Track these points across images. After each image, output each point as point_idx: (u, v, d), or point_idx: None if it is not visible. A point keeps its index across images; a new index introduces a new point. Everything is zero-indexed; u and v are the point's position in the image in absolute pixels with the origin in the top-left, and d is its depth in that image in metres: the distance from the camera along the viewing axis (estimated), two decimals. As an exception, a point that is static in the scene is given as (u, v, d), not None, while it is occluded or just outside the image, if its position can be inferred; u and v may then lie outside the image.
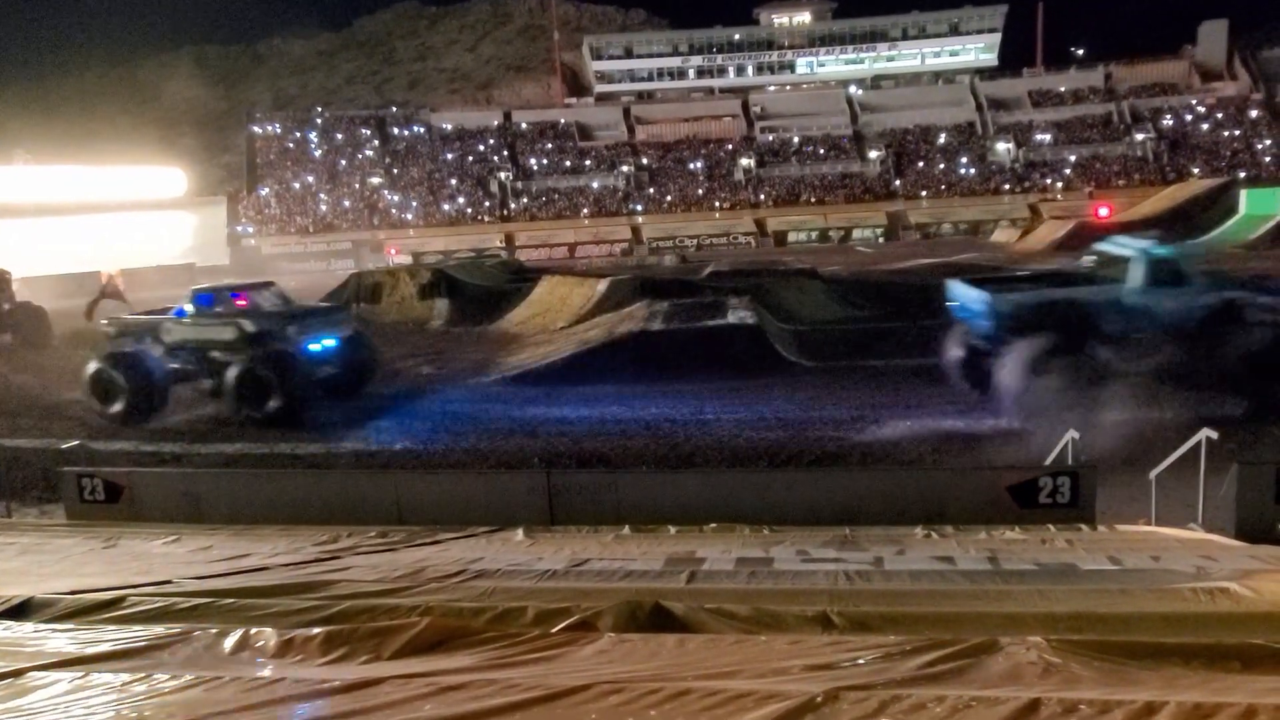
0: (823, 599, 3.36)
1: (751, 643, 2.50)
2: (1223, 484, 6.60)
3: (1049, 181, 60.72)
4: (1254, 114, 62.51)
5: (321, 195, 62.43)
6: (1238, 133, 61.66)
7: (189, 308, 14.00)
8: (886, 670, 2.08)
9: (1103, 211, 45.70)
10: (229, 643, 2.73)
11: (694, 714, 1.80)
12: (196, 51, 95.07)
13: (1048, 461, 8.19)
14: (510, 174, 63.83)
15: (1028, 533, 6.17)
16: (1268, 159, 58.56)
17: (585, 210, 62.05)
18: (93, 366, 13.52)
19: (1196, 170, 56.65)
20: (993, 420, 11.06)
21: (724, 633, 2.82)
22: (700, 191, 63.45)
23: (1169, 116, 63.55)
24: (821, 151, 65.79)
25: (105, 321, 15.30)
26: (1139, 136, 62.20)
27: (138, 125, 75.69)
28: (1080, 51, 72.72)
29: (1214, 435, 6.80)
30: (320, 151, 66.37)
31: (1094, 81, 67.90)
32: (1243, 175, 50.47)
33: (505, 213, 62.42)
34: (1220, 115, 62.94)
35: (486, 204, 63.05)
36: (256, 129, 67.21)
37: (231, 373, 12.84)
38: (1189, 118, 63.41)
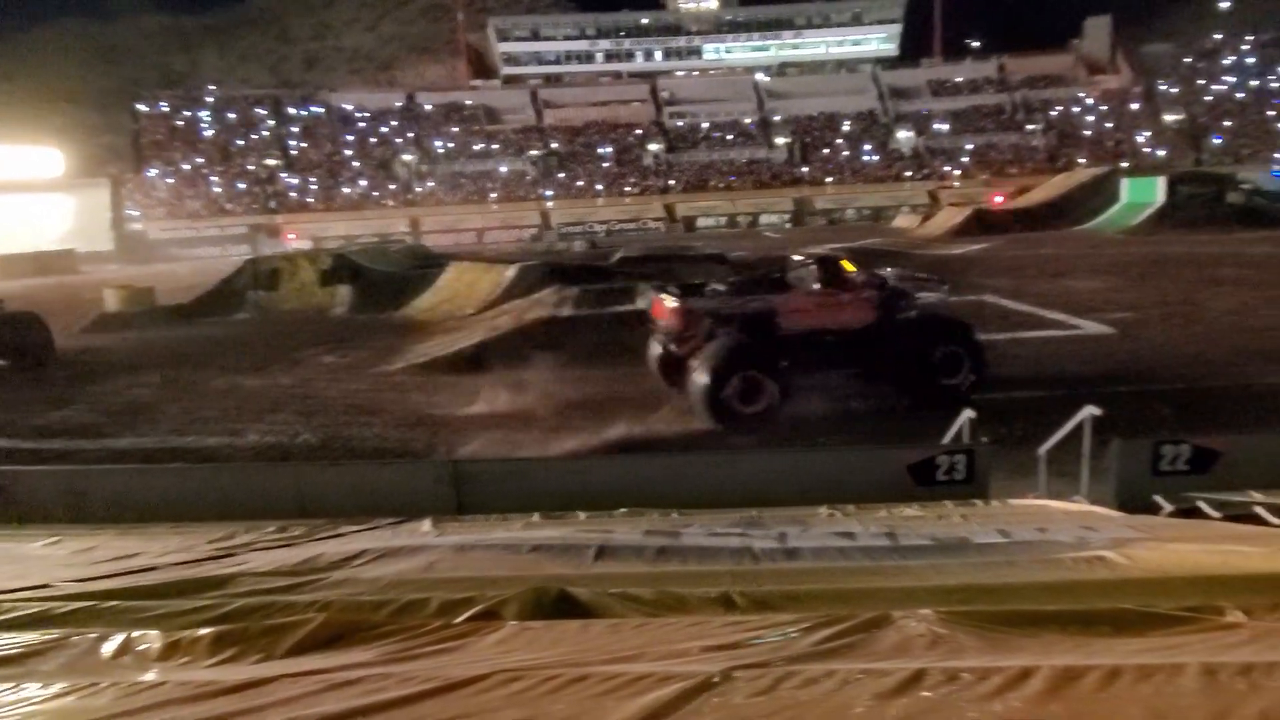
0: (726, 580, 3.41)
1: (653, 625, 2.51)
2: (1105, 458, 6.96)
3: (948, 169, 62.98)
4: (1134, 106, 66.12)
5: (213, 177, 59.86)
6: (1120, 124, 65.13)
7: None
8: (783, 648, 2.13)
9: (998, 199, 47.64)
10: (109, 647, 2.59)
11: (592, 698, 1.80)
12: (75, 25, 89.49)
13: (945, 440, 8.47)
14: (415, 157, 62.47)
15: (926, 509, 6.36)
16: (1147, 149, 62.05)
17: (493, 195, 61.28)
18: None
19: (1083, 160, 59.66)
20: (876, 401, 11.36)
21: (629, 616, 2.83)
22: (610, 177, 63.41)
23: (1058, 107, 66.66)
24: (729, 138, 66.65)
25: None
26: (1030, 126, 65.04)
27: (7, 101, 70.92)
28: (975, 43, 75.52)
29: (1098, 412, 7.16)
30: (212, 132, 63.57)
31: (988, 72, 70.72)
32: (1124, 165, 53.36)
33: (410, 196, 61.09)
34: (1104, 107, 66.39)
35: (390, 187, 61.59)
36: (142, 107, 63.89)
37: None
38: (1076, 109, 66.68)
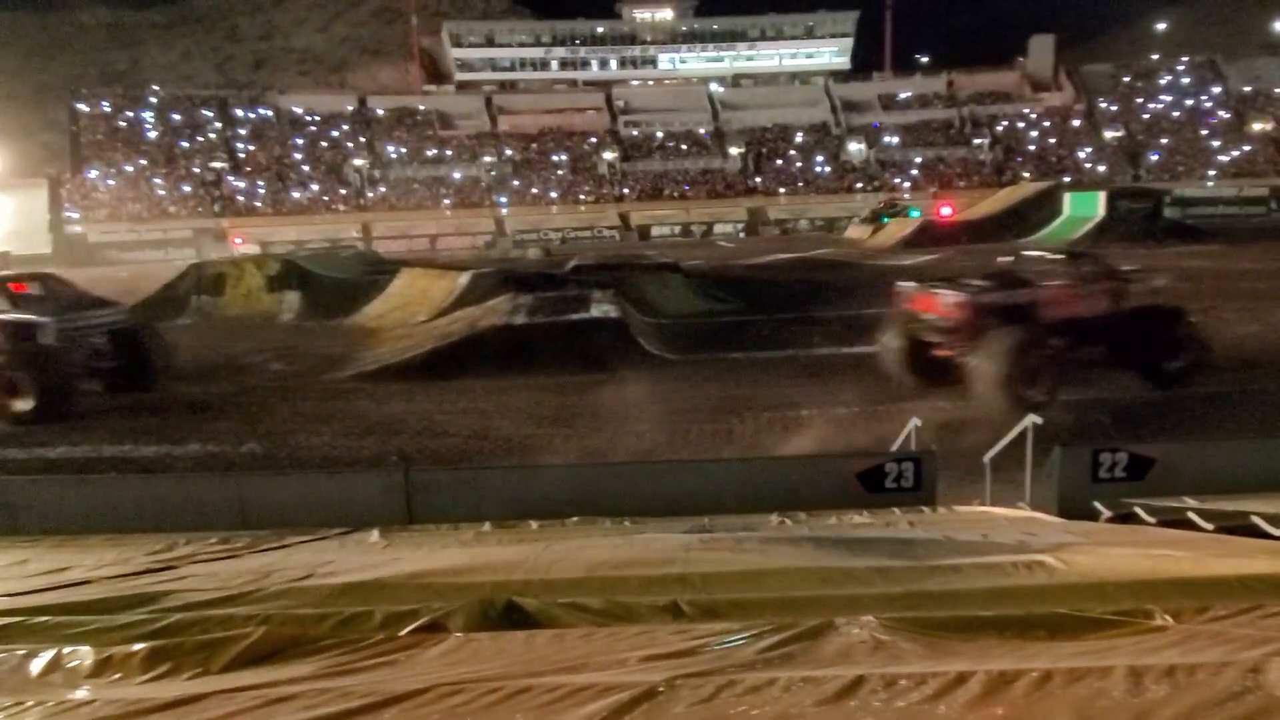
0: (675, 588, 3.42)
1: (599, 635, 2.51)
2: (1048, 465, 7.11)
3: (898, 181, 64.02)
4: (1076, 123, 67.97)
5: (156, 179, 58.32)
6: (1063, 140, 66.91)
7: None
8: (727, 656, 2.14)
9: (945, 211, 48.54)
10: (37, 664, 2.50)
11: (534, 710, 1.79)
12: (7, 19, 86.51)
13: (894, 448, 8.60)
14: (366, 161, 61.64)
15: (875, 516, 6.45)
16: (1088, 165, 63.82)
17: (447, 201, 60.73)
18: None
19: (1027, 174, 61.11)
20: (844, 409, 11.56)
21: (577, 626, 2.82)
22: (564, 184, 63.28)
23: (1004, 123, 68.24)
24: (684, 147, 66.97)
25: None
26: (977, 141, 66.47)
27: (-61, 98, 68.45)
28: (925, 59, 77.10)
29: (1039, 421, 7.32)
30: (155, 132, 61.95)
31: (937, 88, 72.15)
32: (1067, 179, 54.78)
33: (361, 202, 60.26)
34: (1048, 123, 68.12)
35: (341, 192, 60.69)
36: (82, 106, 62.00)
37: None
38: (1021, 125, 68.32)
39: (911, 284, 13.01)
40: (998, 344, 11.03)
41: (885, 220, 49.65)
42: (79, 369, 12.83)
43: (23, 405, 12.12)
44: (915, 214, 49.10)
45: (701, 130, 67.94)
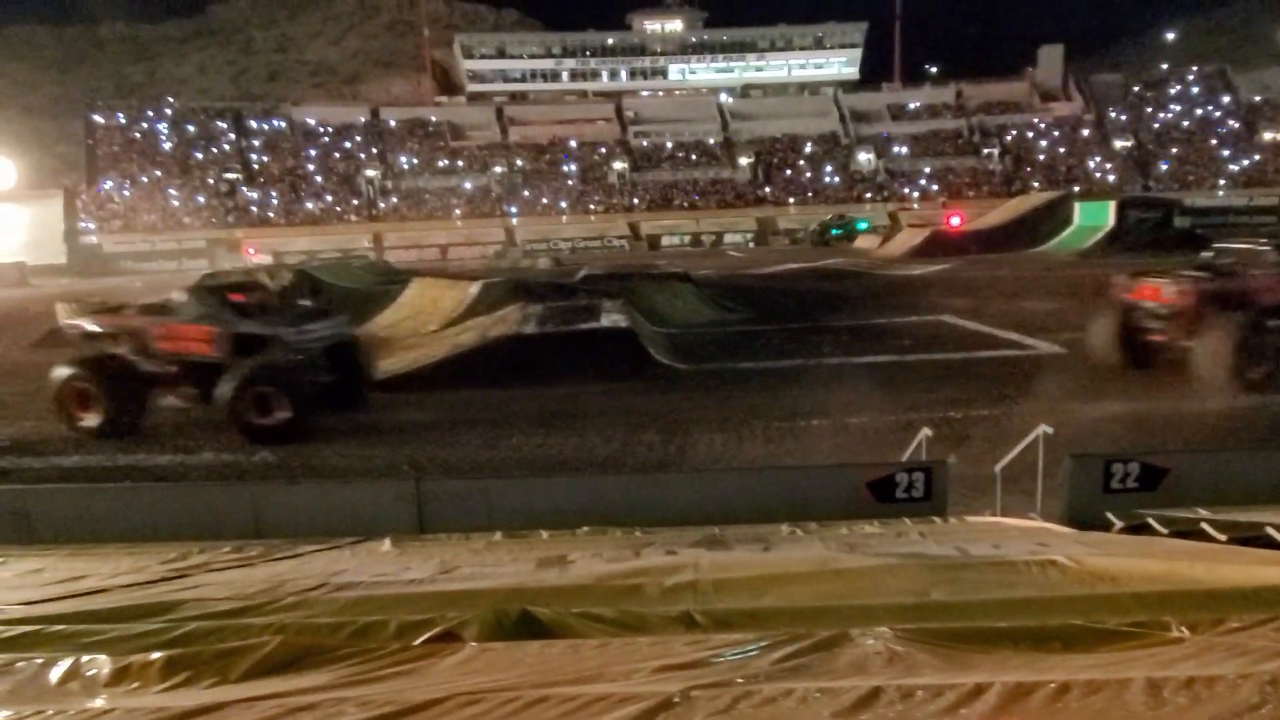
0: (687, 598, 3.42)
1: (614, 645, 2.51)
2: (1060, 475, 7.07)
3: (907, 191, 63.94)
4: (1086, 133, 67.82)
5: (171, 190, 58.77)
6: (1072, 149, 66.75)
7: None
8: (742, 667, 2.14)
9: (954, 221, 48.46)
10: (55, 673, 2.52)
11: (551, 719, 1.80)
12: (25, 32, 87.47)
13: (904, 458, 8.57)
14: (378, 172, 61.98)
15: (885, 526, 6.43)
16: (1098, 174, 63.64)
17: (458, 211, 60.98)
18: None
19: (1037, 184, 60.95)
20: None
21: (590, 636, 2.83)
22: (574, 194, 63.46)
23: (1013, 133, 68.13)
24: (694, 157, 67.11)
25: None
26: (986, 151, 66.38)
27: (-42, 110, 69.18)
28: (934, 69, 77.15)
29: (1050, 430, 7.28)
30: (170, 144, 62.44)
31: (946, 98, 72.11)
32: (1076, 189, 54.62)
33: (373, 212, 60.56)
34: (1057, 133, 67.97)
35: (353, 202, 61.02)
36: (97, 118, 62.56)
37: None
38: (1030, 135, 68.19)
39: (1125, 276, 13.85)
40: (1223, 327, 11.64)
41: (835, 232, 51.54)
42: (311, 384, 12.17)
43: (283, 416, 11.49)
44: (863, 226, 50.77)
45: (711, 140, 68.08)
